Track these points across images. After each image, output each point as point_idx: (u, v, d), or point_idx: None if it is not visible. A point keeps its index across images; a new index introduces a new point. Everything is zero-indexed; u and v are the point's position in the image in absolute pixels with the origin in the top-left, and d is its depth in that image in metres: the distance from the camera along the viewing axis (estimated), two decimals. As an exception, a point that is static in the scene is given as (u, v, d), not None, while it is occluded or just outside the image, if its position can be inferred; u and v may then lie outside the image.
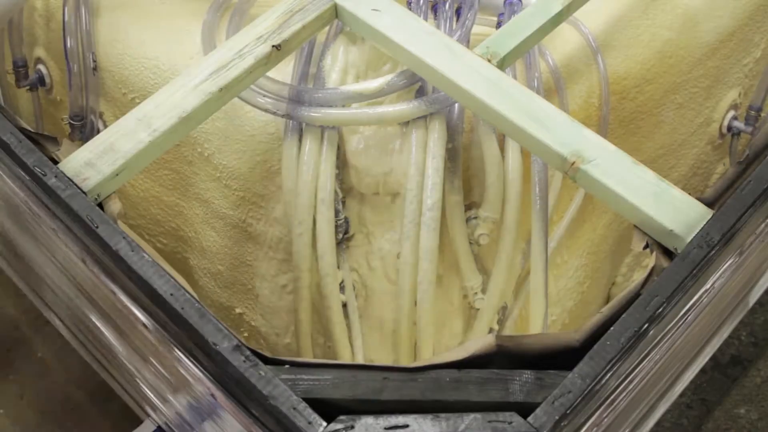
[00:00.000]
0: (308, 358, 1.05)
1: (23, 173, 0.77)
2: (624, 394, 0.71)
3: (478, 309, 1.07)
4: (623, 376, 0.68)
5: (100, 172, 0.79)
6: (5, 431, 1.45)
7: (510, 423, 0.61)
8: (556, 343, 0.67)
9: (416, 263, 0.99)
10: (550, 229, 1.08)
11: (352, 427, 0.61)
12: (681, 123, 1.21)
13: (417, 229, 0.98)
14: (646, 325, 0.66)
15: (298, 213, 0.98)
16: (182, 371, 0.72)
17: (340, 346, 1.05)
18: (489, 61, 0.89)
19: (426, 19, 0.99)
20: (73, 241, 0.76)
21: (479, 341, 0.66)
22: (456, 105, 0.98)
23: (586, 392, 0.63)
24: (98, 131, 1.16)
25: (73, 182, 0.76)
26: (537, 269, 1.04)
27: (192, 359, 0.69)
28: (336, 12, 0.94)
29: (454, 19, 1.01)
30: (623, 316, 0.67)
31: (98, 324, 0.91)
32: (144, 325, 0.73)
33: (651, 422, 0.94)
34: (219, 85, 0.86)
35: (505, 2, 1.06)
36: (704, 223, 0.74)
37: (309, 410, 0.61)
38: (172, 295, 0.68)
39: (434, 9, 1.02)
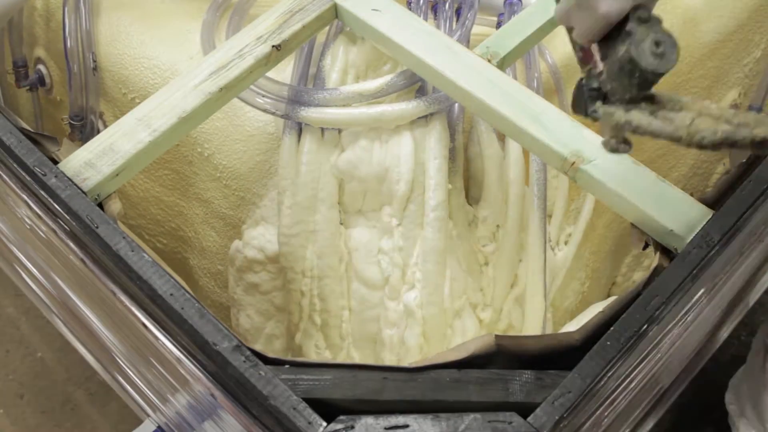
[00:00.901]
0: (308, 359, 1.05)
1: (23, 173, 0.77)
2: (624, 394, 0.71)
3: (479, 309, 1.06)
4: (623, 376, 0.68)
5: (100, 172, 0.79)
6: (5, 431, 1.45)
7: (510, 423, 0.61)
8: (556, 343, 0.67)
9: (418, 265, 0.98)
10: (560, 233, 1.08)
11: (352, 427, 0.61)
12: (681, 123, 1.21)
13: (420, 230, 0.98)
14: (646, 325, 0.66)
15: (295, 213, 0.98)
16: (182, 371, 0.72)
17: (336, 349, 1.05)
18: (489, 61, 0.89)
19: (426, 19, 0.99)
20: (73, 241, 0.76)
21: (479, 341, 0.66)
22: (456, 105, 0.98)
23: (586, 392, 0.63)
24: (98, 131, 1.16)
25: (73, 182, 0.76)
26: (535, 269, 1.04)
27: (192, 359, 0.69)
28: (336, 12, 0.94)
29: (454, 19, 1.01)
30: (623, 316, 0.67)
31: (98, 324, 0.91)
32: (143, 324, 0.73)
33: (651, 422, 0.94)
34: (219, 85, 0.86)
35: (505, 2, 1.06)
36: (704, 223, 0.74)
37: (309, 410, 0.61)
38: (172, 295, 0.68)
39: (434, 9, 1.02)
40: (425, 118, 0.96)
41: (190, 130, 0.88)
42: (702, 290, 0.74)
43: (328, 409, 0.62)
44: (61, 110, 1.25)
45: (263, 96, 0.96)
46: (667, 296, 0.68)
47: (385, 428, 0.61)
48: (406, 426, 0.61)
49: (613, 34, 0.64)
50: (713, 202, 0.77)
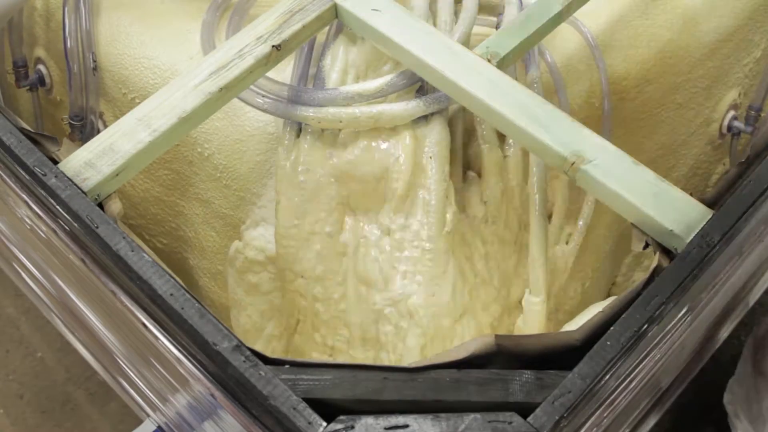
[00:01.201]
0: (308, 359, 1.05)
1: (23, 173, 0.77)
2: (624, 394, 0.71)
3: (479, 310, 1.06)
4: (623, 376, 0.68)
5: (100, 172, 0.79)
6: (5, 431, 1.45)
7: (510, 423, 0.61)
8: (556, 343, 0.67)
9: (418, 265, 0.98)
10: (560, 233, 1.08)
11: (352, 427, 0.61)
12: (681, 123, 1.21)
13: (419, 231, 0.97)
14: (646, 326, 0.66)
15: (293, 214, 0.98)
16: (182, 371, 0.72)
17: (336, 350, 1.05)
18: (489, 61, 0.89)
19: (426, 19, 0.99)
20: (73, 241, 0.76)
21: (479, 341, 0.66)
22: (456, 105, 0.97)
23: (586, 392, 0.63)
24: (98, 131, 1.16)
25: (73, 182, 0.76)
26: (536, 269, 1.04)
27: (192, 359, 0.69)
28: (336, 12, 0.94)
29: (454, 19, 1.01)
30: (623, 316, 0.67)
31: (98, 324, 0.91)
32: (143, 324, 0.73)
33: (651, 422, 0.94)
34: (219, 85, 0.86)
35: (505, 2, 1.06)
36: (704, 223, 0.74)
37: (309, 410, 0.61)
38: (172, 295, 0.68)
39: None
40: (425, 118, 0.96)
41: (190, 130, 0.88)
42: (702, 291, 0.74)
43: (328, 409, 0.61)
44: (61, 110, 1.25)
45: (263, 96, 0.96)
46: (667, 296, 0.68)
47: (385, 428, 0.61)
48: (406, 426, 0.61)
49: None
50: (713, 202, 0.77)
